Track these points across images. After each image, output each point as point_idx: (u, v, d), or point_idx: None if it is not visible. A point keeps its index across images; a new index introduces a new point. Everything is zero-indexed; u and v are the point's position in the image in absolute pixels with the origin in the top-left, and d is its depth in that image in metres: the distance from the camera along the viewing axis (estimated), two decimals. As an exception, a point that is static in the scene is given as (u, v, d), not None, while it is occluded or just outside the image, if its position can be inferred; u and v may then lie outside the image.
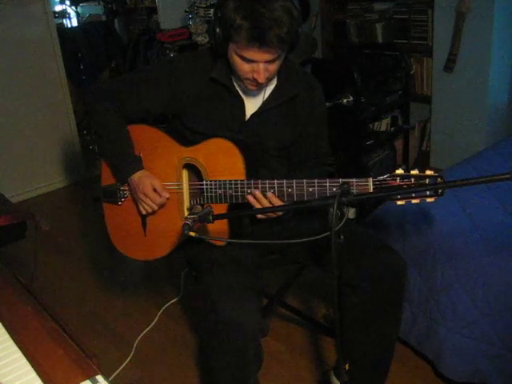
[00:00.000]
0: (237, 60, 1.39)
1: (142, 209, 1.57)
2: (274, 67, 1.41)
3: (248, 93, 1.54)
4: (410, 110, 3.26)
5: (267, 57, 1.35)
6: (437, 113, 3.18)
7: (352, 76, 2.71)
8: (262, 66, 1.37)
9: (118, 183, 1.63)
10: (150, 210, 1.56)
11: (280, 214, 1.46)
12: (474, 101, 2.96)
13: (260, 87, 1.48)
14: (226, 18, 1.33)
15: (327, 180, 1.36)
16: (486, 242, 1.71)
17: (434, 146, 3.28)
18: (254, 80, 1.40)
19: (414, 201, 1.26)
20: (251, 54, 1.35)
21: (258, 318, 1.38)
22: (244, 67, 1.39)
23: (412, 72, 3.25)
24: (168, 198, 1.54)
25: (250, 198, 1.41)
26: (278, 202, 1.40)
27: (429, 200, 1.26)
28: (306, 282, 2.34)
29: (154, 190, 1.52)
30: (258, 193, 1.40)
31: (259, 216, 1.44)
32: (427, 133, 3.37)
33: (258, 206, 1.41)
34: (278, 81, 1.54)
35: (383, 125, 3.20)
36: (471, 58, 2.89)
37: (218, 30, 1.38)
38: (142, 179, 1.53)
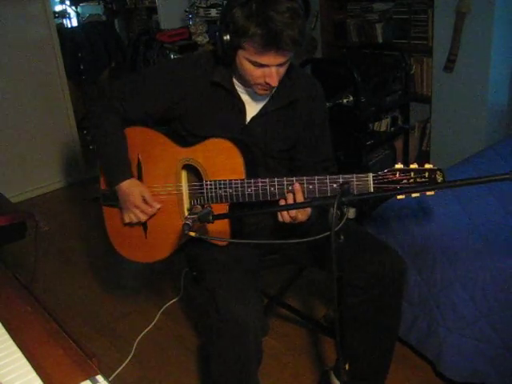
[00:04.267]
0: (248, 66, 1.40)
1: (127, 218, 1.56)
2: (283, 69, 1.42)
3: (249, 96, 1.54)
4: (410, 110, 3.25)
5: (280, 60, 1.37)
6: (437, 113, 3.18)
7: (352, 76, 2.70)
8: (274, 69, 1.38)
9: (109, 188, 1.61)
10: (136, 221, 1.55)
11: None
12: (474, 101, 2.95)
13: (271, 90, 1.48)
14: (239, 27, 1.33)
15: (327, 177, 1.36)
16: (486, 242, 1.71)
17: (433, 146, 3.28)
18: (267, 84, 1.41)
19: (413, 194, 1.27)
20: (265, 59, 1.35)
21: (260, 317, 1.39)
22: (255, 73, 1.40)
23: (412, 72, 3.25)
24: (159, 209, 1.54)
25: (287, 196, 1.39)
26: (300, 199, 1.38)
27: (429, 193, 1.27)
28: (306, 282, 2.34)
29: (144, 201, 1.52)
30: (290, 197, 1.38)
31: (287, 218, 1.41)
32: (427, 133, 3.36)
33: (283, 202, 1.40)
34: (278, 84, 1.54)
35: (383, 125, 3.20)
36: (471, 58, 2.89)
37: (227, 38, 1.37)
38: (130, 188, 1.53)
